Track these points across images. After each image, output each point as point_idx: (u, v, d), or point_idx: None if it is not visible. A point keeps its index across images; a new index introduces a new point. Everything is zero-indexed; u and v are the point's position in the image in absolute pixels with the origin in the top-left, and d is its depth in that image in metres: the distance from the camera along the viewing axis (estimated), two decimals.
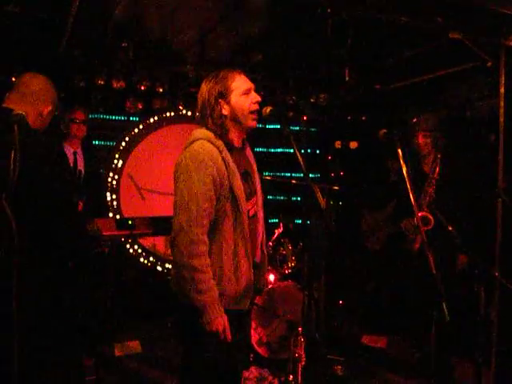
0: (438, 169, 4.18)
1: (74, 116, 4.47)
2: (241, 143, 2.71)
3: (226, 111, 2.56)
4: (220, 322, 2.45)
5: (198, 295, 2.42)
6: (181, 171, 2.48)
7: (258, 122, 2.66)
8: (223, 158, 2.49)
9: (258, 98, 2.60)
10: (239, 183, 2.52)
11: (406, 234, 4.28)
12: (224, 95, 2.55)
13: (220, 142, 2.53)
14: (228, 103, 2.56)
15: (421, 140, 4.26)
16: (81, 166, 4.50)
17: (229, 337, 2.48)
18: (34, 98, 2.72)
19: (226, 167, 2.48)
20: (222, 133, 2.56)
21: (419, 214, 3.99)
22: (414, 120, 4.47)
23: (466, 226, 3.97)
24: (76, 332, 3.58)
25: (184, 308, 2.54)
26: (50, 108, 2.80)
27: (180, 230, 2.42)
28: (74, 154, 4.48)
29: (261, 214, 2.79)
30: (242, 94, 2.57)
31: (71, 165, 4.43)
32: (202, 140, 2.53)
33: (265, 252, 2.89)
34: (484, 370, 3.50)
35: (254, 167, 2.81)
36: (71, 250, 2.93)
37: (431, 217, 4.03)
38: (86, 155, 4.64)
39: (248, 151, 2.82)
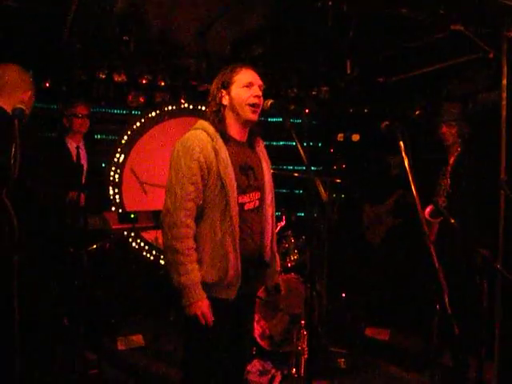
0: (451, 160, 4.12)
1: (76, 111, 4.44)
2: (244, 137, 2.73)
3: (225, 101, 2.64)
4: (199, 305, 2.49)
5: (178, 277, 2.48)
6: (172, 158, 2.60)
7: (260, 116, 2.68)
8: (213, 146, 2.54)
9: (259, 93, 2.64)
10: (229, 173, 2.55)
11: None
12: (226, 86, 2.64)
13: (214, 131, 2.59)
14: (228, 94, 2.64)
15: (445, 130, 4.15)
16: (83, 160, 4.49)
17: (209, 322, 2.51)
18: (11, 88, 2.75)
19: (216, 155, 2.53)
20: (217, 120, 2.62)
21: (428, 208, 3.95)
22: (416, 112, 4.43)
23: (476, 220, 3.92)
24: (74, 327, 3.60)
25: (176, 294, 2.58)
26: (29, 93, 2.83)
27: (166, 213, 2.53)
28: (77, 148, 4.47)
29: (269, 213, 2.80)
30: (242, 86, 2.63)
31: (74, 159, 4.42)
32: (197, 129, 2.62)
33: (274, 250, 2.91)
34: (487, 364, 3.51)
35: (264, 165, 2.81)
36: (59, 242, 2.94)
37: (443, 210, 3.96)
38: (88, 149, 4.63)
39: (260, 148, 2.85)
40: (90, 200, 4.20)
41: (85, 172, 4.35)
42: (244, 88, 2.62)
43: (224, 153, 2.55)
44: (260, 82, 2.69)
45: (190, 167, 2.50)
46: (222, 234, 2.55)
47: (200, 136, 2.56)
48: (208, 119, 2.65)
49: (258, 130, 2.79)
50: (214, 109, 2.64)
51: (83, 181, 4.27)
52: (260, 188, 2.74)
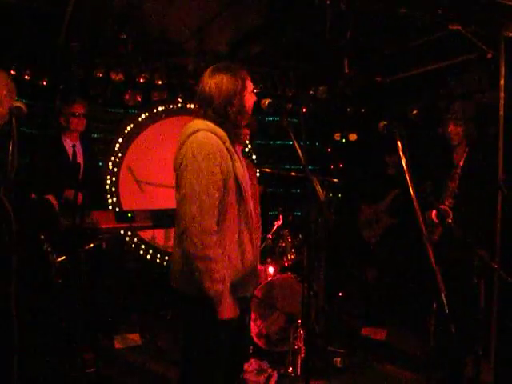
0: (461, 163, 4.06)
1: (73, 110, 4.43)
2: None
3: (239, 107, 2.61)
4: (234, 310, 2.50)
5: (213, 285, 2.42)
6: (187, 162, 2.47)
7: (258, 114, 2.71)
8: (227, 148, 2.52)
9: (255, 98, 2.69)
10: (242, 171, 2.56)
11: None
12: (241, 91, 2.60)
13: (222, 132, 2.55)
14: (241, 99, 2.60)
15: (451, 128, 4.03)
16: (80, 159, 4.48)
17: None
18: None
19: (231, 156, 2.52)
20: (232, 125, 2.59)
21: (435, 210, 3.93)
22: (414, 112, 4.40)
23: (484, 222, 3.88)
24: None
25: (190, 300, 2.55)
26: (4, 92, 2.77)
27: (192, 220, 2.41)
28: (73, 147, 4.46)
29: (251, 205, 2.80)
30: (251, 92, 2.65)
31: (70, 158, 4.42)
32: (205, 131, 2.54)
33: (257, 247, 2.91)
34: (484, 363, 3.51)
35: (242, 159, 2.81)
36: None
37: (450, 211, 3.93)
38: (85, 148, 4.62)
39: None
40: (87, 199, 4.20)
41: (82, 171, 4.34)
42: (251, 94, 2.65)
43: (236, 154, 2.56)
44: None
45: (214, 173, 2.45)
46: (239, 233, 2.56)
47: (214, 139, 2.51)
48: (210, 120, 2.59)
49: None
50: (235, 117, 2.59)
51: (80, 179, 4.27)
52: None
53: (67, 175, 4.15)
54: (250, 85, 2.64)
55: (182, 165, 2.50)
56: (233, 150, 2.55)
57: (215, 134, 2.53)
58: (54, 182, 4.17)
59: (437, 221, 3.87)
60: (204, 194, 2.42)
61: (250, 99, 2.63)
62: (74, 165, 4.29)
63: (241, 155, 2.80)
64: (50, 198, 3.45)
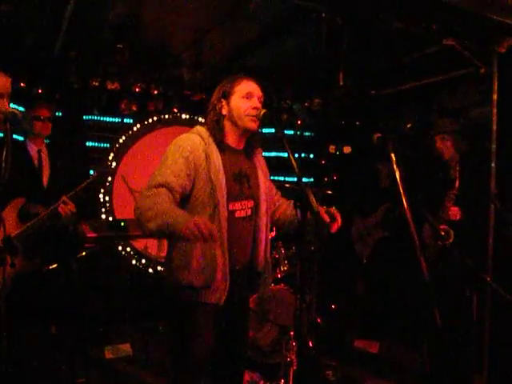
0: (457, 183, 4.02)
1: (38, 113, 4.22)
2: (241, 145, 2.76)
3: (225, 111, 2.67)
4: (194, 220, 2.23)
5: (151, 220, 2.36)
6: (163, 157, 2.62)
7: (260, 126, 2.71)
8: (205, 150, 2.57)
9: (257, 105, 2.65)
10: (220, 178, 2.55)
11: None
12: (226, 96, 2.68)
13: (208, 136, 2.63)
14: (228, 104, 2.67)
15: (439, 144, 4.10)
16: (46, 164, 4.34)
17: (213, 231, 2.23)
18: None
19: (206, 158, 2.56)
20: (217, 129, 2.65)
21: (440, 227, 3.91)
22: (408, 125, 4.40)
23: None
24: None
25: (169, 287, 2.64)
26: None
27: (140, 194, 2.54)
28: (38, 152, 4.25)
29: (263, 222, 2.80)
30: (241, 96, 2.65)
31: (35, 163, 4.26)
32: (192, 133, 2.67)
33: (269, 261, 2.90)
34: (476, 377, 3.51)
35: (259, 174, 2.83)
36: None
37: (452, 231, 3.91)
38: (54, 154, 4.46)
39: (257, 158, 2.87)
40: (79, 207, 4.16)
41: (48, 176, 4.25)
42: (243, 99, 2.64)
43: (216, 158, 2.57)
44: (260, 94, 2.71)
45: (177, 161, 2.53)
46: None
47: (193, 138, 2.60)
48: (205, 126, 2.70)
49: (256, 139, 2.81)
50: (213, 118, 2.67)
51: (45, 183, 4.19)
52: (254, 197, 2.74)
53: (29, 181, 4.06)
54: (240, 89, 2.66)
55: None
56: (215, 155, 2.57)
57: (200, 136, 2.63)
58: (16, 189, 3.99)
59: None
60: (159, 174, 2.52)
61: (240, 104, 2.64)
62: (39, 171, 4.18)
63: (259, 167, 2.83)
64: None
